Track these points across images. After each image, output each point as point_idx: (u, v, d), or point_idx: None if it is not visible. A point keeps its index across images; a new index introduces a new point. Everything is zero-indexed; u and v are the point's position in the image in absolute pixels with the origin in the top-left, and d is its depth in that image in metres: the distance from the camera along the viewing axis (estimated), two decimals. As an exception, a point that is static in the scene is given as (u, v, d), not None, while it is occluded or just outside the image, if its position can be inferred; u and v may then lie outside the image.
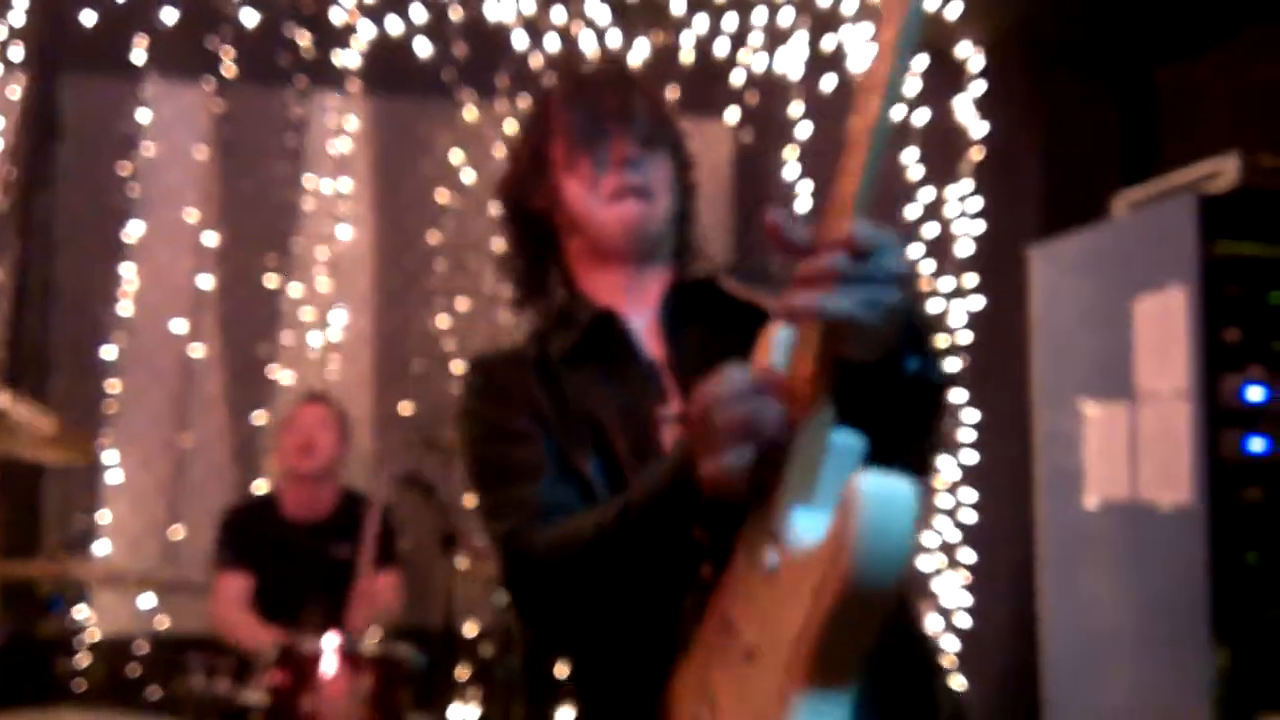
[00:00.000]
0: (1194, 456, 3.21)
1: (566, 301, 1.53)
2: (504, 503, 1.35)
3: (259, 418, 3.73)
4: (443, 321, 3.91)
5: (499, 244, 4.17)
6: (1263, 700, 3.04)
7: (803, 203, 4.15)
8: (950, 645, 3.74)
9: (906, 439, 1.28)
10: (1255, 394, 3.20)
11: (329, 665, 2.63)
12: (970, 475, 3.90)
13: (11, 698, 2.90)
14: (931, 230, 4.10)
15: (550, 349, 1.45)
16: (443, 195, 3.95)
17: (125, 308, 3.72)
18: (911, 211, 4.13)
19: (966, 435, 3.95)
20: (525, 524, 1.31)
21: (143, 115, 3.79)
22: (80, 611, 3.42)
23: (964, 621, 3.82)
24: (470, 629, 3.61)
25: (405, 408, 3.83)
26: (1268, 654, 3.13)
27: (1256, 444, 3.18)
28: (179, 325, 3.76)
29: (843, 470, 1.02)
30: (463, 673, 3.41)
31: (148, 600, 3.51)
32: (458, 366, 3.88)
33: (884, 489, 0.94)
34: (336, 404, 3.47)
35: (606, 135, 1.47)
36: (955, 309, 4.03)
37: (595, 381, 1.41)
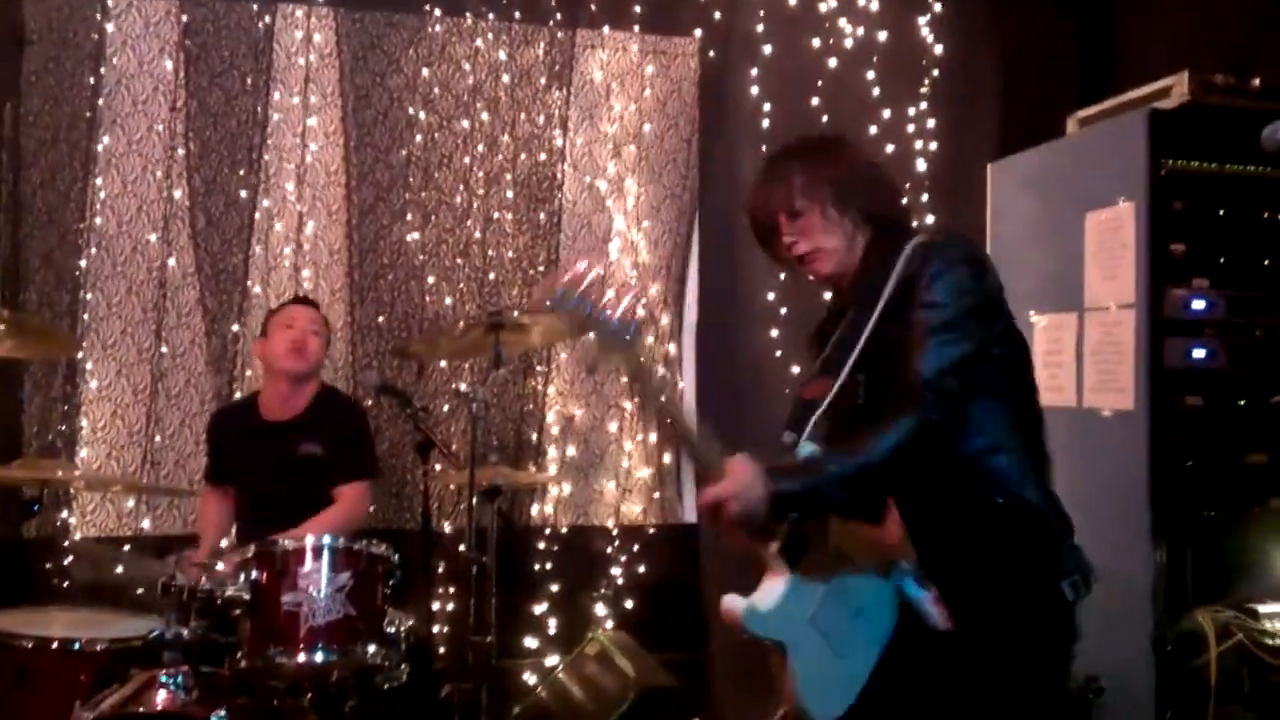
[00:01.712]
0: (1138, 365, 3.36)
1: None
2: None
3: (234, 328, 3.78)
4: (414, 235, 3.96)
5: (466, 159, 4.22)
6: (1199, 595, 3.22)
7: (766, 120, 4.21)
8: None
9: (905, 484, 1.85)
10: (1199, 305, 3.34)
11: (307, 562, 2.69)
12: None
13: (1, 597, 2.98)
14: (891, 149, 4.18)
15: None
16: (412, 109, 3.98)
17: (98, 219, 3.74)
18: (872, 131, 4.20)
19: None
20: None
21: (109, 27, 3.78)
22: (65, 514, 3.50)
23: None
24: (446, 529, 3.75)
25: (379, 319, 3.90)
26: (1204, 551, 3.31)
27: (1198, 353, 3.33)
28: (152, 236, 3.79)
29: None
30: (439, 571, 3.53)
31: (130, 503, 3.58)
32: (430, 278, 3.95)
33: None
34: (320, 309, 3.50)
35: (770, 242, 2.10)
36: (914, 224, 4.12)
37: None
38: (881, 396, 1.86)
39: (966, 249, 1.97)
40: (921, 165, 4.17)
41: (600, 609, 3.99)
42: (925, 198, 4.15)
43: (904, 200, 2.17)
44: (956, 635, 1.81)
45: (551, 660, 3.80)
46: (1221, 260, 3.36)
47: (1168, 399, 3.30)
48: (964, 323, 1.85)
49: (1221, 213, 3.38)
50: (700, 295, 4.22)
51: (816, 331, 2.13)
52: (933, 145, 4.28)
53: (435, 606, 3.40)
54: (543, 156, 4.10)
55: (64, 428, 3.59)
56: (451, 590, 3.59)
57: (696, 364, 4.18)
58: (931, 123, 4.29)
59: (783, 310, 4.11)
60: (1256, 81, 3.33)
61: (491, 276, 4.01)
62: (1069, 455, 3.57)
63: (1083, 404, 3.55)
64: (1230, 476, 3.30)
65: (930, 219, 4.15)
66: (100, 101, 3.75)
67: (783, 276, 4.08)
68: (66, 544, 3.43)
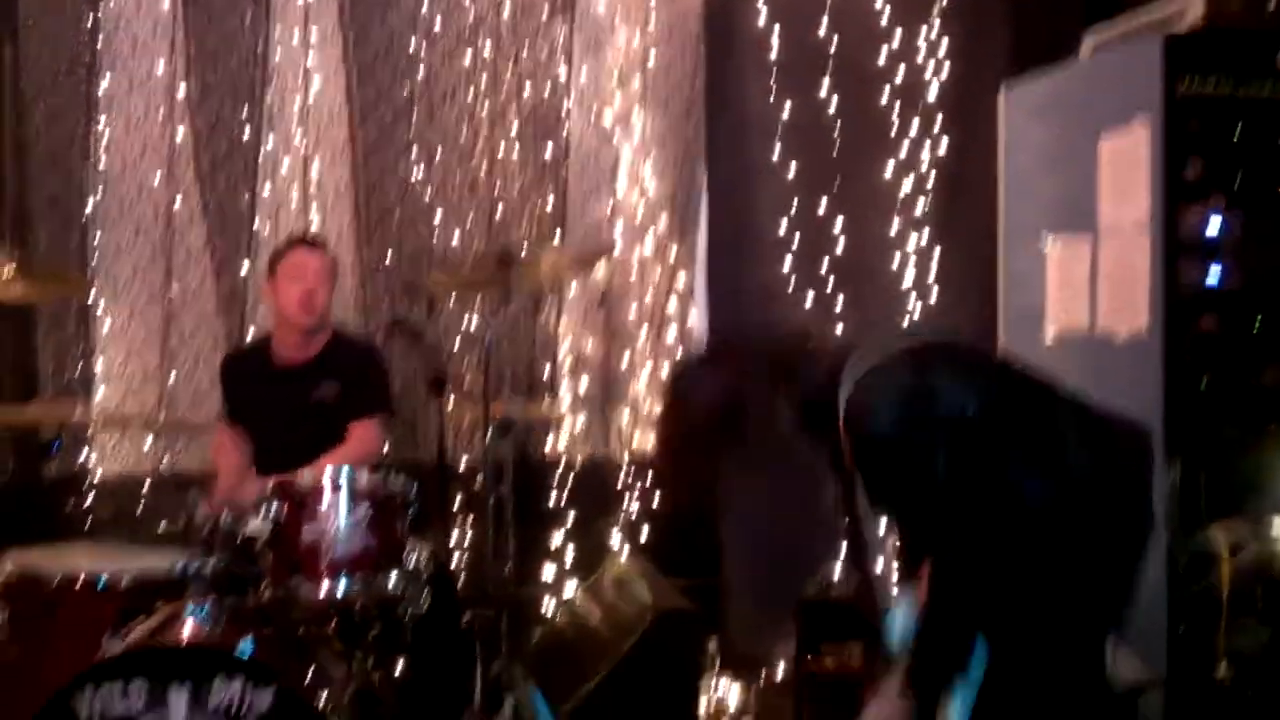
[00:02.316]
0: (1152, 287, 3.34)
1: None
2: None
3: (243, 268, 3.78)
4: (419, 172, 3.94)
5: (470, 94, 4.17)
6: (1213, 513, 3.24)
7: (774, 48, 4.15)
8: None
9: None
10: (1214, 226, 3.31)
11: (327, 496, 2.71)
12: (938, 312, 4.03)
13: (24, 536, 3.01)
14: (901, 74, 4.13)
15: None
16: (413, 44, 3.94)
17: (102, 161, 3.72)
18: (881, 57, 4.15)
19: (933, 276, 4.07)
20: None
21: (106, -36, 3.73)
22: (83, 453, 3.54)
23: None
24: (462, 464, 3.77)
25: (387, 257, 3.90)
26: (1219, 470, 3.32)
27: (1213, 274, 3.32)
28: (157, 177, 3.77)
29: None
30: (457, 504, 3.56)
31: (149, 442, 3.61)
32: (437, 215, 3.94)
33: None
34: (327, 246, 3.44)
35: None
36: (925, 151, 4.10)
37: None
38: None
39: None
40: (933, 91, 4.11)
41: (616, 538, 4.03)
42: (938, 123, 4.10)
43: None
44: None
45: (569, 588, 3.85)
46: (1237, 182, 3.33)
47: (1183, 321, 3.29)
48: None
49: (1238, 134, 3.34)
50: (710, 226, 4.20)
51: None
52: (944, 70, 4.22)
53: (454, 538, 3.44)
54: (547, 90, 4.06)
55: (79, 369, 3.62)
56: (469, 522, 3.62)
57: (708, 296, 4.17)
58: (942, 48, 4.23)
59: (794, 240, 4.09)
60: (1273, 3, 3.28)
61: (499, 212, 3.99)
62: (1083, 378, 3.58)
63: (1096, 328, 3.54)
64: (1246, 396, 3.30)
65: (943, 145, 4.10)
66: (99, 43, 3.71)
67: (794, 207, 4.07)
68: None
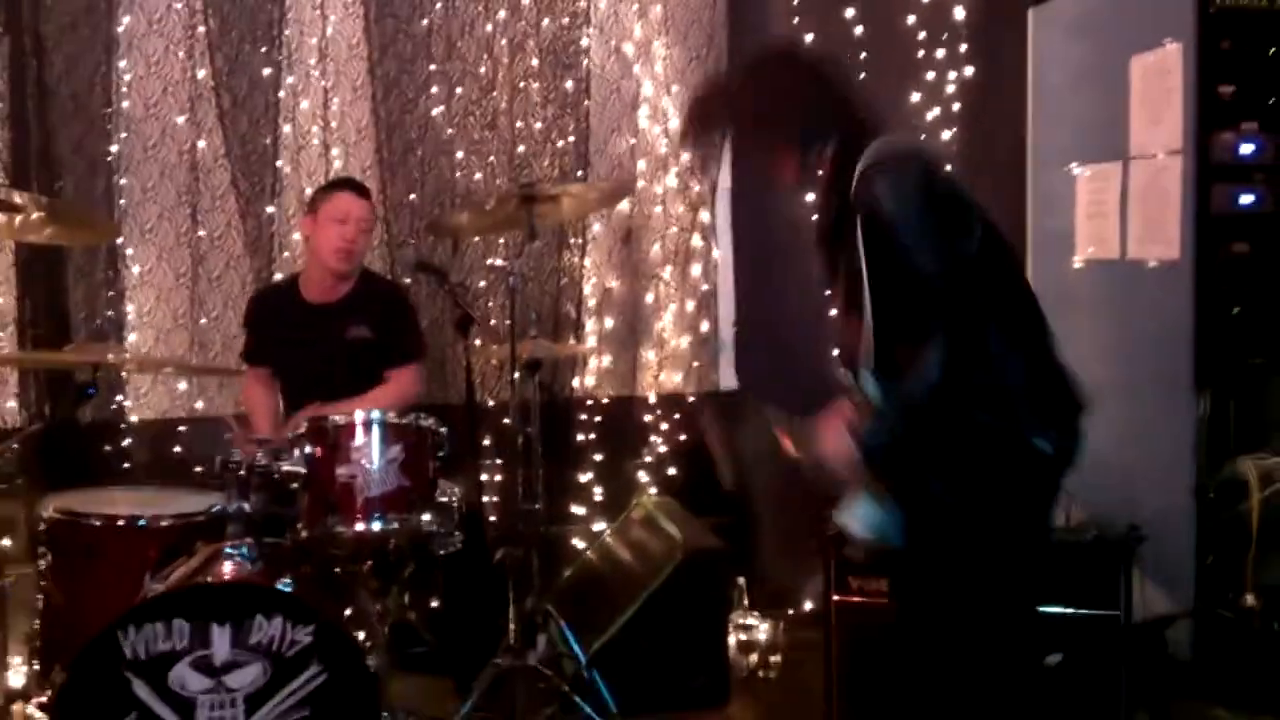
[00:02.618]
0: (1184, 212, 3.29)
1: None
2: None
3: (269, 209, 3.78)
4: (439, 108, 3.90)
5: (489, 27, 4.10)
6: (1242, 443, 3.22)
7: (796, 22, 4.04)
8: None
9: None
10: (1247, 149, 3.24)
11: (359, 437, 2.74)
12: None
13: (64, 479, 3.07)
14: (927, -2, 4.03)
15: None
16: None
17: (124, 103, 3.70)
18: (907, -22, 4.04)
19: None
20: None
21: (118, -99, 3.67)
22: (118, 397, 3.58)
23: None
24: (489, 402, 3.80)
25: (410, 196, 3.88)
26: (1248, 400, 3.30)
27: (1246, 198, 3.25)
28: (180, 119, 3.75)
29: None
30: (486, 443, 3.59)
31: (182, 385, 3.65)
32: (459, 152, 3.91)
33: None
34: (370, 198, 3.39)
35: None
36: (952, 77, 4.01)
37: None
38: (899, 328, 1.95)
39: (910, 176, 1.97)
40: (959, 13, 4.01)
41: (644, 476, 4.06)
42: (964, 48, 4.01)
43: (855, 105, 2.12)
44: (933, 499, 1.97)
45: (599, 526, 3.90)
46: (1271, 102, 3.25)
47: (1214, 247, 3.24)
48: (939, 254, 1.91)
49: (1272, 52, 3.25)
50: (733, 160, 4.14)
51: (822, 238, 2.16)
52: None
53: (484, 477, 3.46)
54: (566, 20, 3.99)
55: (110, 313, 3.63)
56: (499, 462, 3.65)
57: (732, 229, 4.14)
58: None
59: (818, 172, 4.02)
60: (1312, -87, 3.16)
61: (520, 148, 3.96)
62: (1113, 307, 3.57)
63: (1126, 255, 3.49)
64: (1277, 324, 3.27)
65: (969, 70, 4.01)
66: (116, -19, 3.67)
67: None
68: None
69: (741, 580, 3.56)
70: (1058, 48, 3.85)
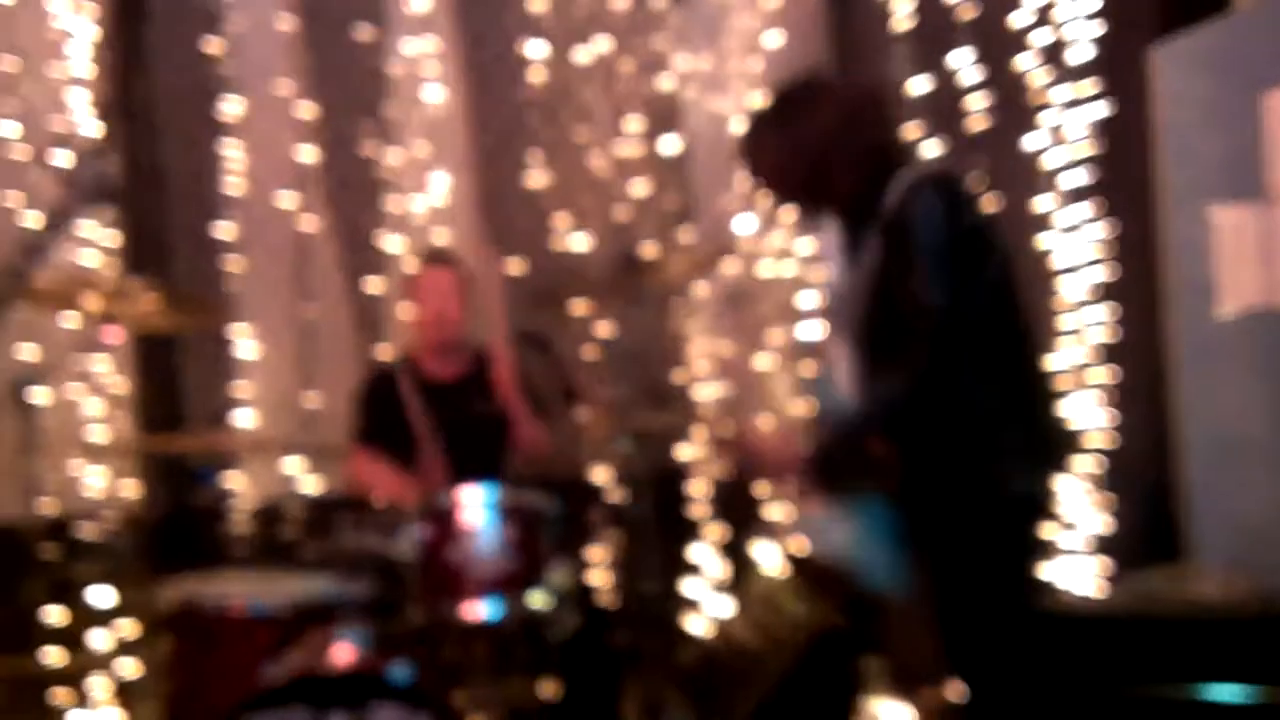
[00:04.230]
0: (1339, 254, 3.07)
1: None
2: None
3: (374, 285, 3.79)
4: (540, 177, 3.88)
5: (587, 93, 4.09)
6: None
7: (900, 21, 3.93)
8: (1087, 466, 3.70)
9: None
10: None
11: (470, 518, 2.70)
12: (1098, 292, 3.78)
13: (177, 564, 3.08)
14: (1045, 37, 3.87)
15: None
16: (528, 46, 3.87)
17: (234, 185, 3.77)
18: (1021, 18, 3.90)
19: (1092, 252, 3.81)
20: None
21: (222, -11, 3.77)
22: (230, 480, 3.60)
23: (1099, 441, 3.77)
24: (598, 477, 3.71)
25: (513, 266, 3.85)
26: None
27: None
28: (287, 199, 3.80)
29: None
30: (597, 519, 3.50)
31: (293, 465, 3.66)
32: (560, 221, 3.87)
33: None
34: (459, 263, 3.40)
35: None
36: (1075, 118, 3.83)
37: None
38: (887, 341, 1.99)
39: (951, 202, 2.00)
40: (1079, 52, 3.84)
41: (762, 550, 3.90)
42: (1085, 87, 3.83)
43: (892, 133, 2.22)
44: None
45: (715, 605, 3.75)
46: None
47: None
48: (950, 288, 1.94)
49: None
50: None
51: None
52: (1091, 30, 3.93)
53: (595, 555, 3.38)
54: (665, 82, 3.95)
55: (221, 396, 3.68)
56: (610, 538, 3.56)
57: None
58: (1088, 3, 3.94)
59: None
60: None
61: (622, 213, 3.91)
62: (1261, 358, 3.33)
63: (1273, 301, 3.27)
64: None
65: (1092, 111, 3.83)
66: (222, 66, 3.75)
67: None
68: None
69: (873, 661, 3.38)
70: (1185, 85, 3.66)
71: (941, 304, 1.91)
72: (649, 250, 3.30)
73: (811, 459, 2.07)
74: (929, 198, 1.96)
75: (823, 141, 2.10)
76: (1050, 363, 3.46)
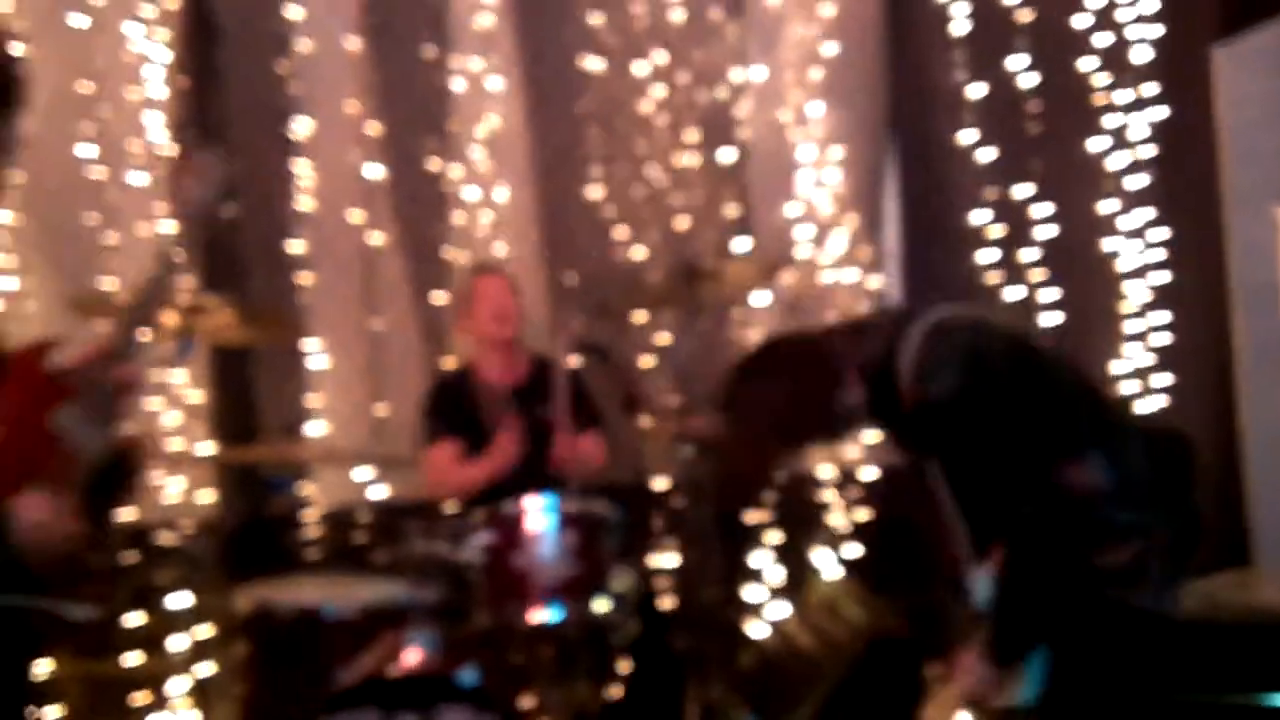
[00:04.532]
0: None
1: None
2: None
3: (439, 298, 3.86)
4: (599, 190, 3.93)
5: (645, 105, 4.14)
6: None
7: (959, 22, 3.91)
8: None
9: None
10: None
11: (535, 524, 2.75)
12: (1162, 295, 3.72)
13: (252, 570, 3.17)
14: (1105, 39, 3.83)
15: None
16: (587, 60, 3.93)
17: (304, 202, 3.87)
18: (1081, 20, 3.86)
19: (1155, 255, 3.76)
20: None
21: (294, 11, 3.86)
22: (303, 488, 3.70)
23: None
24: (660, 484, 3.74)
25: (573, 278, 3.91)
26: None
27: None
28: (355, 215, 3.89)
29: None
30: (657, 525, 3.53)
31: (363, 474, 3.75)
32: (619, 232, 3.92)
33: None
34: (508, 273, 3.51)
35: None
36: (1136, 121, 3.79)
37: None
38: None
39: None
40: (1139, 53, 3.80)
41: (823, 556, 3.90)
42: (1146, 89, 3.78)
43: None
44: None
45: (776, 610, 3.77)
46: None
47: None
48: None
49: None
50: (903, 221, 4.03)
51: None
52: (1152, 30, 3.88)
53: (657, 561, 3.41)
54: (722, 92, 3.98)
55: (294, 407, 3.77)
56: (672, 544, 3.59)
57: (903, 296, 4.00)
58: (1148, 4, 3.89)
59: (994, 229, 3.84)
60: None
61: (681, 224, 3.94)
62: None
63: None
64: None
65: (1154, 113, 3.77)
66: (292, 86, 3.85)
67: (992, 193, 3.83)
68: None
69: (934, 668, 3.36)
70: (1247, 85, 3.61)
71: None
72: (708, 260, 3.32)
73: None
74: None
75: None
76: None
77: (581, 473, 3.08)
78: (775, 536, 3.90)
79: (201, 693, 3.32)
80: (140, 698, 3.34)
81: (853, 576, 3.67)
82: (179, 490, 3.54)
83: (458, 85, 3.92)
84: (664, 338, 3.83)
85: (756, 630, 3.74)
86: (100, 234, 3.55)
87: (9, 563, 1.65)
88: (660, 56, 3.95)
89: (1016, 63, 3.82)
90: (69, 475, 1.71)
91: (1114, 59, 3.78)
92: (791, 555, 3.87)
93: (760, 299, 4.00)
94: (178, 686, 3.36)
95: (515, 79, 3.96)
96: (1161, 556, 1.98)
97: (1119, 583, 1.97)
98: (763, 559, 3.89)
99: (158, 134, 3.68)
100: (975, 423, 1.93)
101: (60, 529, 1.67)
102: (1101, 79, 3.80)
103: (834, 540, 3.92)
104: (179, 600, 3.39)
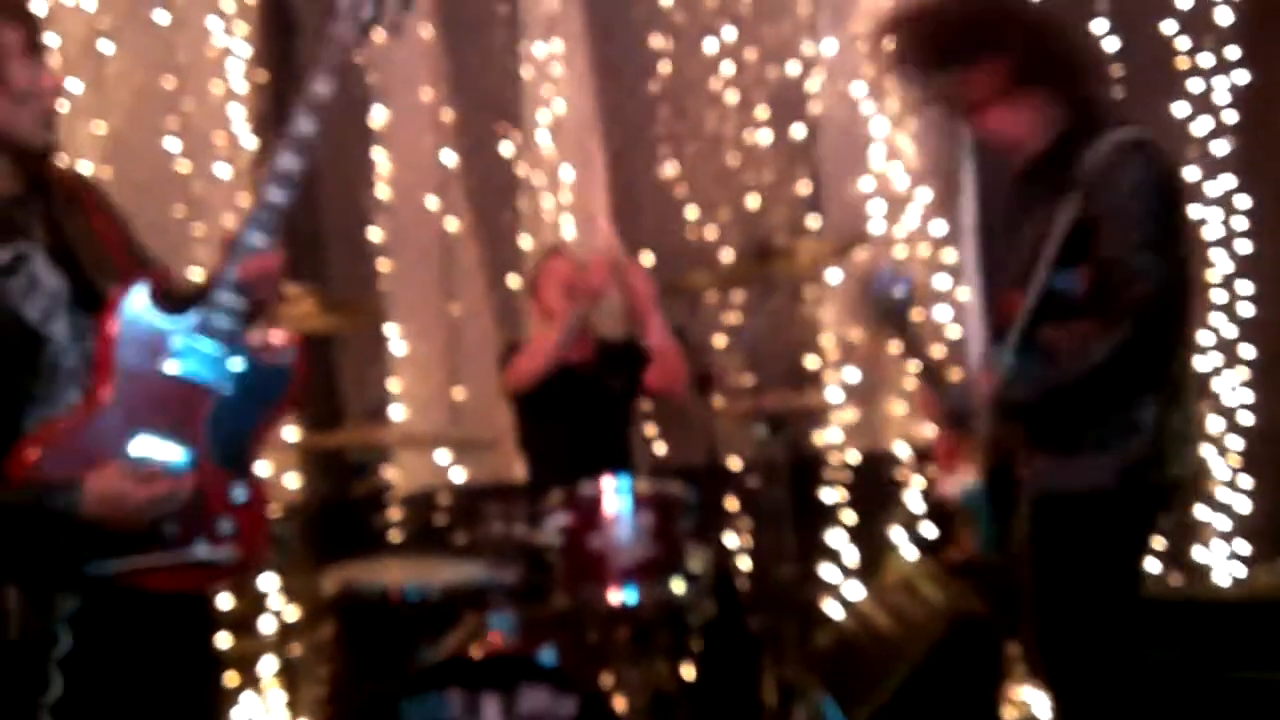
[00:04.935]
0: None
1: None
2: None
3: (514, 282, 3.91)
4: (670, 169, 3.93)
5: (715, 83, 4.12)
6: None
7: None
8: (1235, 444, 3.56)
9: None
10: None
11: (611, 506, 2.78)
12: (1246, 265, 3.62)
13: (337, 552, 3.27)
14: (1187, 1, 3.71)
15: None
16: (656, 40, 3.92)
17: (382, 190, 3.94)
18: (1163, -15, 3.74)
19: (1239, 223, 3.65)
20: None
21: (369, 2, 3.91)
22: (386, 471, 3.79)
23: (1247, 419, 3.61)
24: (734, 463, 3.76)
25: (645, 258, 3.92)
26: None
27: None
28: (431, 202, 3.95)
29: None
30: (732, 505, 3.55)
31: (443, 456, 3.82)
32: (691, 212, 3.92)
33: None
34: (574, 256, 3.54)
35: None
36: (1219, 85, 3.67)
37: None
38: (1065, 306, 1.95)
39: (1164, 171, 1.99)
40: (1223, 15, 3.67)
41: (899, 535, 3.88)
42: (1231, 52, 3.66)
43: (1103, 89, 2.23)
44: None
45: (852, 589, 3.76)
46: None
47: None
48: (1167, 239, 1.93)
49: None
50: (978, 194, 3.95)
51: (1007, 215, 2.18)
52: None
53: (733, 541, 3.43)
54: (792, 68, 3.94)
55: (376, 392, 3.86)
56: (747, 524, 3.61)
57: (979, 270, 3.93)
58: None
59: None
60: None
61: (752, 202, 3.93)
62: None
63: None
64: None
65: (1239, 76, 3.65)
66: (368, 78, 3.91)
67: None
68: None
69: (1015, 648, 3.33)
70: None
71: (1153, 274, 1.87)
72: (779, 238, 3.31)
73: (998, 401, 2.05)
74: (1141, 164, 1.93)
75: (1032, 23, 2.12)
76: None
77: (676, 392, 3.10)
78: (850, 516, 3.90)
79: (288, 672, 3.40)
80: (232, 677, 3.40)
81: (928, 556, 3.65)
82: (266, 474, 3.64)
83: (527, 70, 3.94)
84: (736, 317, 3.83)
85: (833, 610, 3.74)
86: (187, 226, 3.64)
87: (90, 532, 1.68)
88: (729, 33, 3.92)
89: (1098, 26, 3.72)
90: None
91: (1196, 21, 3.66)
92: (867, 534, 3.87)
93: (833, 276, 3.98)
94: (268, 667, 3.45)
95: (584, 61, 3.97)
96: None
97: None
98: (838, 538, 3.90)
99: (240, 127, 3.77)
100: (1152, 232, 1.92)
101: (133, 498, 1.69)
102: (1183, 42, 3.68)
103: (910, 520, 3.90)
104: (267, 582, 3.48)
